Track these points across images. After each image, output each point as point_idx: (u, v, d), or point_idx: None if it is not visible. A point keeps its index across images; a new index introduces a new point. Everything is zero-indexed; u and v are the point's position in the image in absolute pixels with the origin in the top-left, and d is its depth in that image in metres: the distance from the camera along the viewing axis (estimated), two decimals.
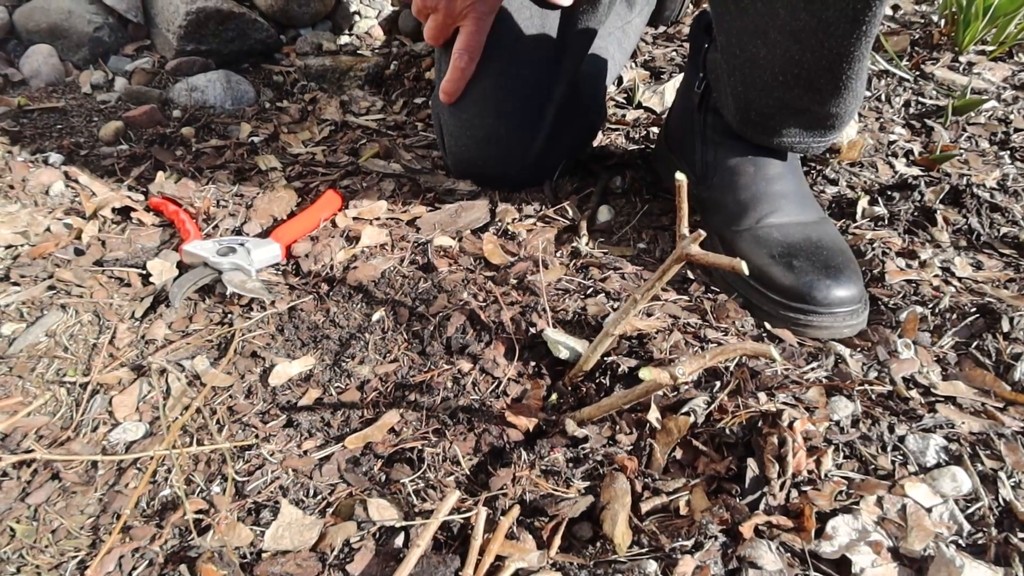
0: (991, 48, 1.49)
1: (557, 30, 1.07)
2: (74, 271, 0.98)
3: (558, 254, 0.99)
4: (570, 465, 0.68)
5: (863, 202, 1.05)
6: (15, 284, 0.96)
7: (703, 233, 0.64)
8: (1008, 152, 1.19)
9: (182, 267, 0.98)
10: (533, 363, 0.82)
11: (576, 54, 1.10)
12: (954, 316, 0.84)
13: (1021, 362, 0.76)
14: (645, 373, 0.54)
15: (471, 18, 1.01)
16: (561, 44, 1.07)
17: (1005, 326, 0.81)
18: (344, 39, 1.65)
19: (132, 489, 0.70)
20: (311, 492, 0.69)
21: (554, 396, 0.78)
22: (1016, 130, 1.24)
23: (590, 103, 1.16)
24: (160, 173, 1.19)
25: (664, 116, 1.35)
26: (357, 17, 1.68)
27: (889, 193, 1.06)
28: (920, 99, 1.33)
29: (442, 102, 1.09)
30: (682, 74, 1.44)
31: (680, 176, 0.65)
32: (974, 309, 0.84)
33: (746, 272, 0.60)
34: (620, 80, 1.45)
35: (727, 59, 0.89)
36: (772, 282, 0.84)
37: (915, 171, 1.14)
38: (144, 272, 0.98)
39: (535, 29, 1.05)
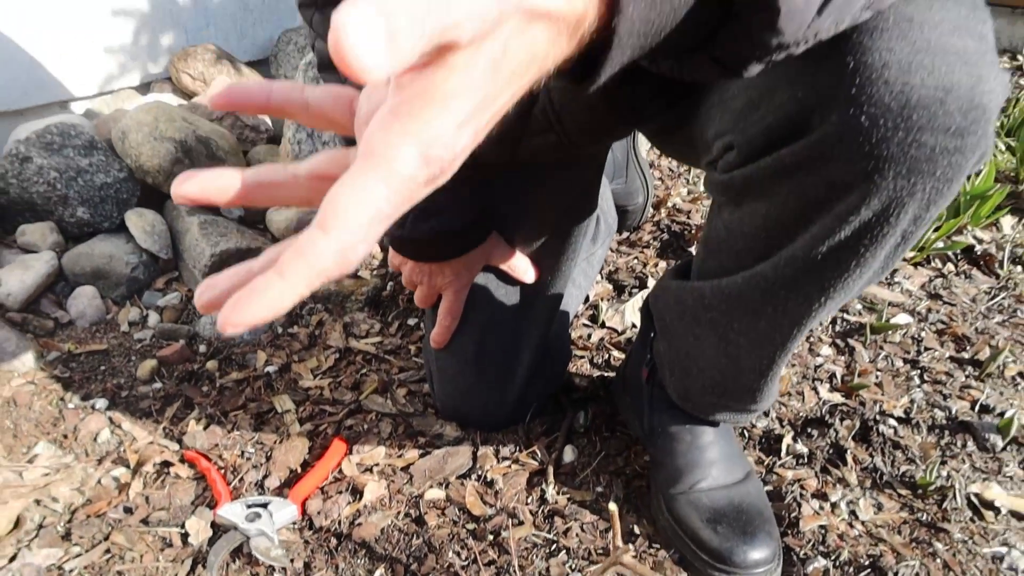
0: (911, 254, 1.71)
1: (525, 299, 1.28)
2: (125, 533, 1.16)
3: (529, 500, 1.18)
4: None
5: (787, 439, 1.24)
6: (76, 545, 1.15)
7: (631, 547, 0.83)
8: (919, 372, 1.39)
9: (215, 527, 1.17)
10: None
11: (543, 321, 1.30)
12: (851, 569, 1.02)
13: None
14: None
15: (450, 291, 1.23)
16: (529, 312, 1.29)
17: None
18: None
19: None
20: None
21: None
22: (926, 348, 1.45)
23: (557, 357, 1.37)
24: (192, 421, 1.39)
25: (624, 335, 1.56)
26: None
27: (809, 430, 1.26)
28: (845, 316, 1.54)
29: (431, 353, 1.31)
30: (641, 292, 1.66)
31: (612, 507, 0.85)
32: (867, 563, 1.02)
33: None
34: (587, 298, 1.67)
35: (667, 358, 1.09)
36: (702, 544, 1.03)
37: (837, 397, 1.34)
38: (183, 532, 1.17)
39: (507, 300, 1.27)
